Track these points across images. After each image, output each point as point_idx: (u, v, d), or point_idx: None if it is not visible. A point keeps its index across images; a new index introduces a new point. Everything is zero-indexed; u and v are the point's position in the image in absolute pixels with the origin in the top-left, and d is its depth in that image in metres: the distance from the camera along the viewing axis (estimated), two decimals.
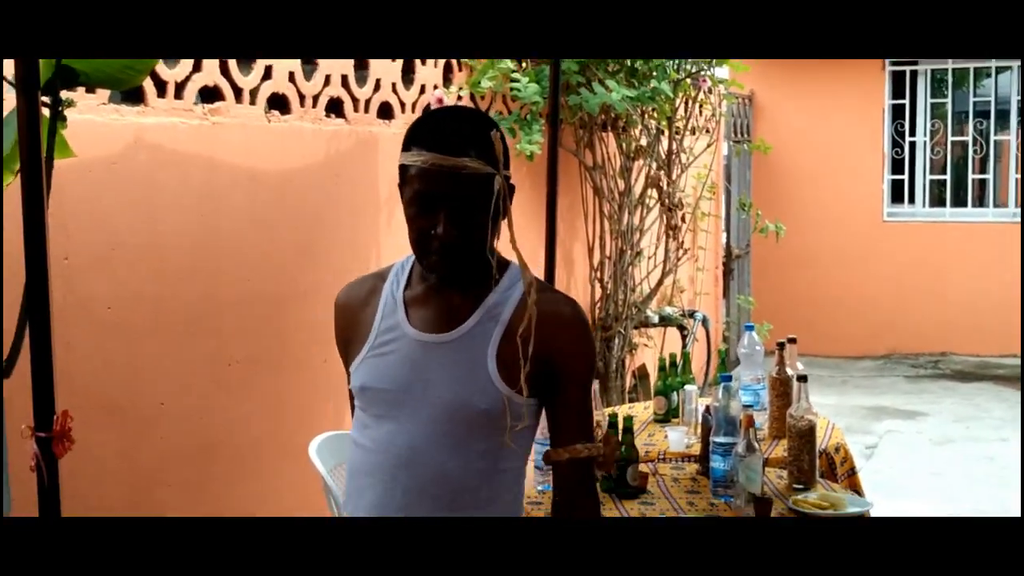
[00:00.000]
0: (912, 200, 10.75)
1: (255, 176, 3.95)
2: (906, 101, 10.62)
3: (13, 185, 2.52)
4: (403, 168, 2.05)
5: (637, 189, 6.66)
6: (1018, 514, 5.56)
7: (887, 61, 10.47)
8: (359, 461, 2.15)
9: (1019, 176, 10.26)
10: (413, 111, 5.04)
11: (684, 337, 7.32)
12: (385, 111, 4.85)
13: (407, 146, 2.05)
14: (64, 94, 2.58)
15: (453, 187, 2.00)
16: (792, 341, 4.07)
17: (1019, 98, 10.15)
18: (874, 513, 3.36)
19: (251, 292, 3.91)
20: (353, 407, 2.22)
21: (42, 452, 2.23)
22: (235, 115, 3.88)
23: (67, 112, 2.67)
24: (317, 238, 4.37)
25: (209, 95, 3.82)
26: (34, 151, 2.28)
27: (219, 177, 3.81)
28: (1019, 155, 10.28)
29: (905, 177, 10.75)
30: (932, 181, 10.73)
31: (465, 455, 2.06)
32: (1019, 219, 9.84)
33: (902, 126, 10.66)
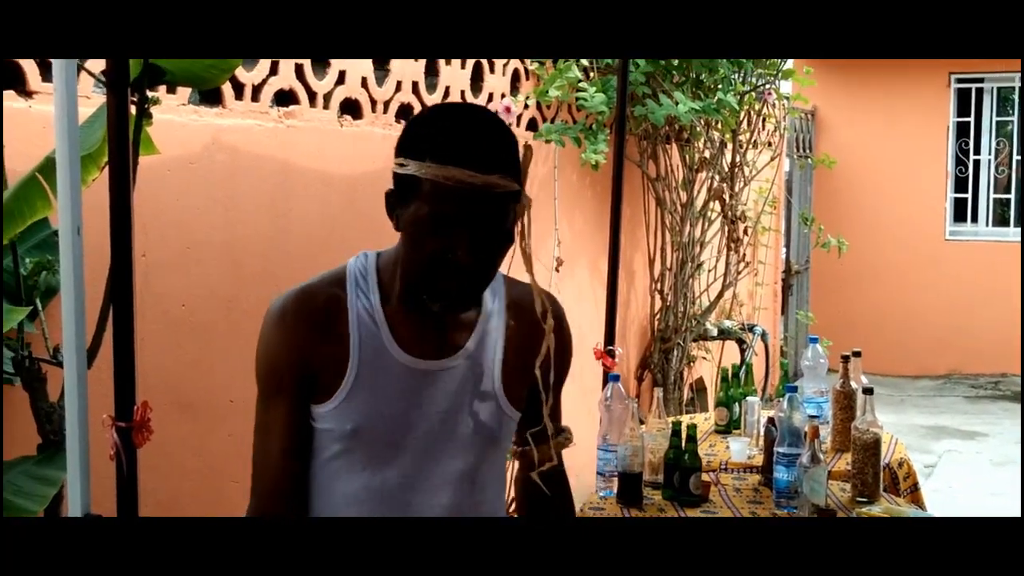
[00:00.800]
0: (975, 219, 10.64)
1: (327, 179, 4.01)
2: (971, 119, 10.51)
3: (99, 180, 2.59)
4: (410, 180, 1.71)
5: (699, 201, 6.66)
6: None
7: (953, 77, 10.38)
8: (345, 511, 1.84)
9: None
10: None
11: (743, 351, 7.30)
12: None
13: (417, 154, 1.71)
14: (150, 92, 2.65)
15: (479, 207, 1.70)
16: (857, 355, 4.05)
17: None
18: None
19: None
20: (289, 451, 1.84)
21: (122, 442, 2.28)
22: (308, 119, 3.94)
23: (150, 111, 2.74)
24: (385, 241, 4.41)
25: (284, 98, 3.89)
26: (122, 147, 2.34)
27: (292, 179, 3.87)
28: None
29: (968, 196, 10.64)
30: (996, 200, 10.61)
31: (479, 490, 1.88)
32: None
33: (966, 144, 10.56)
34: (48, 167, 2.56)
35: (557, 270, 5.58)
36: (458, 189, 1.68)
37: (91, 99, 3.09)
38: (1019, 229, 10.40)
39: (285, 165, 3.84)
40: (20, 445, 2.81)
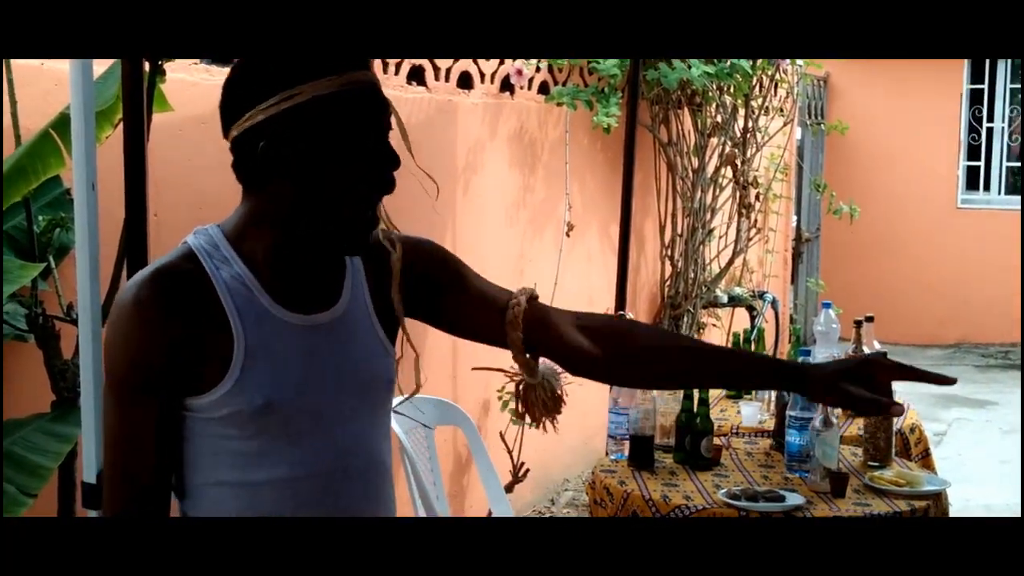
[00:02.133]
0: (988, 187, 10.59)
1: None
2: (984, 86, 10.45)
3: (112, 137, 2.58)
4: (299, 114, 1.54)
5: (711, 167, 6.64)
6: None
7: None
8: (272, 499, 1.62)
9: None
10: (492, 81, 5.06)
11: (753, 318, 7.29)
12: (465, 80, 4.88)
13: (301, 78, 1.54)
14: None
15: (382, 116, 1.60)
16: (870, 320, 4.03)
17: None
18: (949, 495, 3.33)
19: None
20: (162, 466, 1.61)
21: None
22: None
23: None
24: (397, 206, 4.39)
25: None
26: (136, 104, 2.33)
27: None
28: None
29: (981, 164, 10.58)
30: (1008, 168, 10.55)
31: (385, 433, 1.76)
32: None
33: (980, 111, 10.49)
34: (62, 123, 2.55)
35: (568, 235, 5.57)
36: (361, 97, 1.57)
37: None
38: None
39: None
40: (34, 402, 2.82)
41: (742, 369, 1.80)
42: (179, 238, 3.64)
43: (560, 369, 1.84)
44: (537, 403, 1.84)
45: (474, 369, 1.98)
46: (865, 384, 1.68)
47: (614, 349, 1.78)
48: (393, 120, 1.62)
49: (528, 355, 1.78)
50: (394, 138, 1.63)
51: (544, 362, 1.80)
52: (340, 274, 1.71)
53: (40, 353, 2.75)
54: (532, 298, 1.77)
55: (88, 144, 2.29)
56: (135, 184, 2.35)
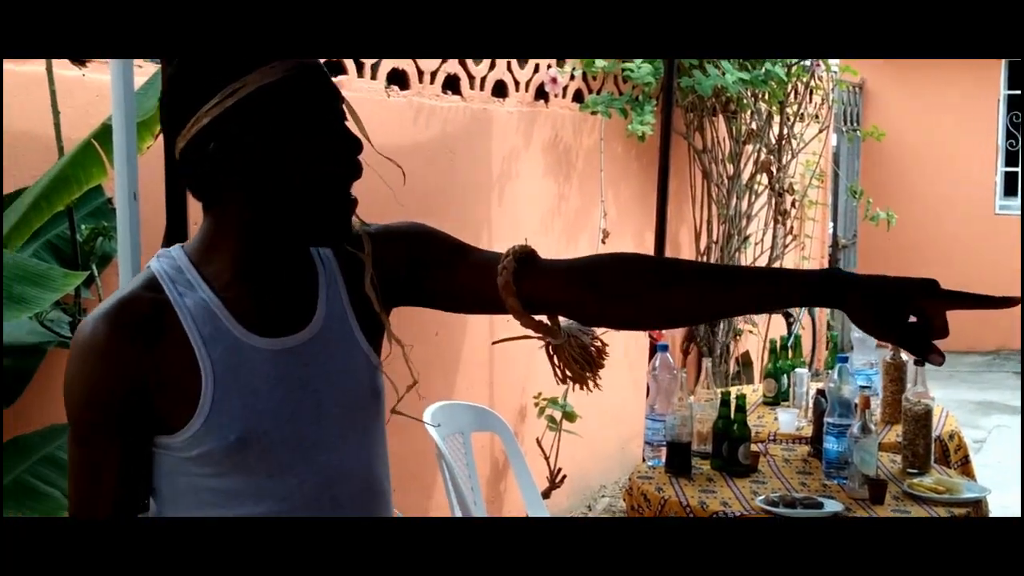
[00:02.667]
0: None
1: (373, 149, 4.01)
2: (1022, 91, 10.36)
3: (153, 147, 2.61)
4: (247, 111, 1.44)
5: (746, 174, 6.63)
6: None
7: None
8: None
9: None
10: (527, 89, 5.08)
11: (790, 325, 7.26)
12: (499, 89, 4.90)
13: (230, 77, 1.44)
14: None
15: (335, 99, 1.52)
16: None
17: None
18: (990, 503, 3.30)
19: None
20: (124, 504, 1.50)
21: None
22: (356, 89, 3.95)
23: None
24: (432, 213, 4.43)
25: (332, 68, 3.90)
26: None
27: None
28: None
29: (1019, 169, 10.48)
30: None
31: (379, 453, 1.65)
32: None
33: (1018, 117, 10.40)
34: (103, 134, 2.58)
35: (603, 242, 5.57)
36: (310, 80, 1.47)
37: (143, 67, 3.11)
38: None
39: None
40: None
41: (760, 291, 1.54)
42: None
43: None
44: (569, 363, 1.67)
45: (495, 343, 1.87)
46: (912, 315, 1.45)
47: (604, 290, 1.57)
48: (347, 108, 1.53)
49: (545, 316, 1.62)
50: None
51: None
52: (313, 288, 1.57)
53: None
54: (523, 256, 1.57)
55: (130, 154, 2.33)
56: (175, 193, 2.38)
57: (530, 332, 1.64)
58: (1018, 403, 8.38)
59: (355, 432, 1.58)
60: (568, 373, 1.68)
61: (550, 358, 1.68)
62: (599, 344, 1.70)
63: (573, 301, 1.58)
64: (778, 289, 1.54)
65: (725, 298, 1.55)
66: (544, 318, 1.61)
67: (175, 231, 2.41)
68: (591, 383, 1.70)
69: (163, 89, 1.51)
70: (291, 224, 1.49)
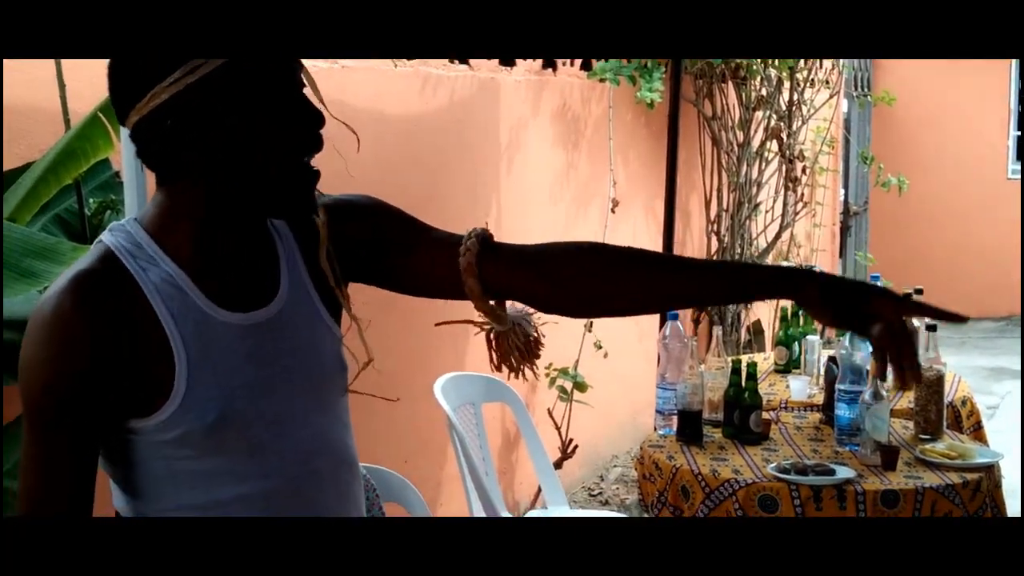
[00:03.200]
0: None
1: (382, 120, 4.00)
2: None
3: None
4: (208, 85, 1.39)
5: (756, 141, 6.59)
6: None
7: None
8: (243, 516, 1.47)
9: None
10: (535, 59, 5.05)
11: None
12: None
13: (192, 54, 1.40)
14: None
15: (296, 70, 1.48)
16: (919, 292, 4.00)
17: None
18: (1002, 467, 3.29)
19: None
20: (80, 497, 1.41)
21: None
22: (363, 60, 3.93)
23: None
24: (440, 183, 4.42)
25: None
26: None
27: (347, 120, 3.86)
28: None
29: None
30: None
31: (346, 424, 1.63)
32: None
33: None
34: (110, 107, 2.57)
35: (613, 211, 5.55)
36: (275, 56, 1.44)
37: None
38: None
39: (340, 106, 3.81)
40: None
41: (715, 282, 1.54)
42: None
43: (531, 310, 1.66)
44: (512, 350, 1.67)
45: (437, 325, 1.85)
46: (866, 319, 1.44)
47: (557, 278, 1.55)
48: (305, 78, 1.49)
49: (493, 301, 1.58)
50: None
51: (514, 305, 1.63)
52: (273, 262, 1.54)
53: None
54: (485, 238, 1.55)
55: None
56: None
57: (474, 316, 1.62)
58: None
59: (326, 406, 1.56)
60: (505, 361, 1.69)
61: (489, 344, 1.69)
62: (536, 335, 1.69)
63: (528, 288, 1.56)
64: (732, 281, 1.54)
65: (678, 289, 1.54)
66: (494, 303, 1.59)
67: None
68: (527, 372, 1.70)
69: (113, 63, 1.44)
70: (253, 198, 1.45)
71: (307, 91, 1.49)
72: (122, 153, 2.35)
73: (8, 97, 2.81)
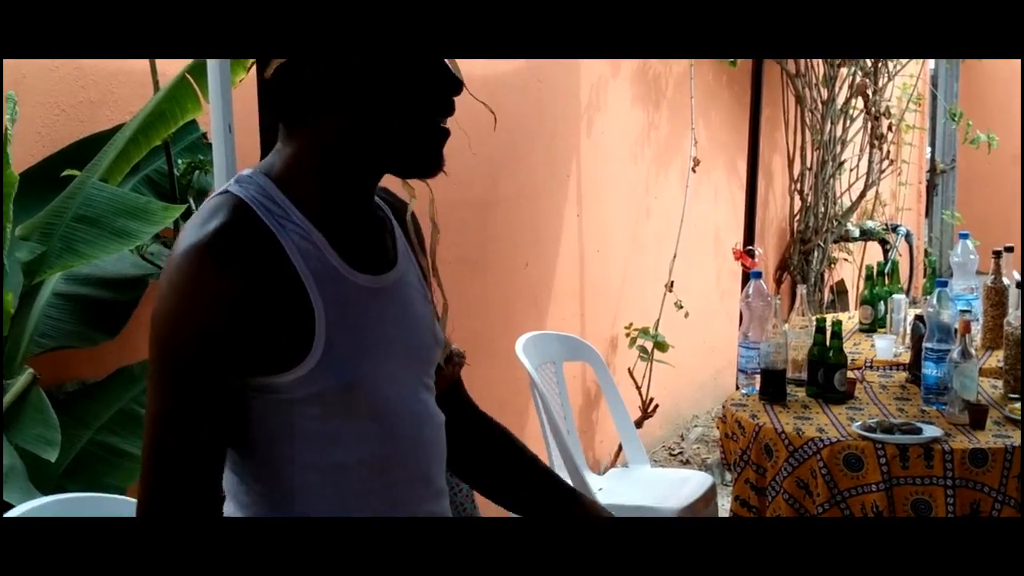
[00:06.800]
0: None
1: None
2: None
3: (246, 81, 2.64)
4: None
5: (840, 98, 6.48)
6: None
7: None
8: (361, 478, 1.46)
9: None
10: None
11: (886, 252, 7.13)
12: None
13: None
14: None
15: None
16: (1009, 250, 3.92)
17: None
18: None
19: (459, 196, 3.99)
20: (220, 459, 1.39)
21: None
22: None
23: None
24: (519, 143, 4.42)
25: None
26: None
27: None
28: None
29: None
30: None
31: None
32: None
33: None
34: (198, 68, 2.61)
35: (694, 170, 5.51)
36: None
37: None
38: None
39: None
40: None
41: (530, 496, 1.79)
42: None
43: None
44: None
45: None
46: None
47: (459, 451, 1.71)
48: None
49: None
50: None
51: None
52: (390, 226, 1.55)
53: None
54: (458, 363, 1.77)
55: (224, 88, 2.35)
56: (270, 125, 2.40)
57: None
58: None
59: (429, 375, 1.58)
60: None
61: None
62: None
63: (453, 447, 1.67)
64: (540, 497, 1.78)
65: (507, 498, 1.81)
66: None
67: None
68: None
69: None
70: (386, 153, 1.44)
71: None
72: (210, 114, 2.38)
73: (97, 60, 2.88)
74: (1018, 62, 10.05)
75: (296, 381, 1.38)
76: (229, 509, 1.49)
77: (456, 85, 1.45)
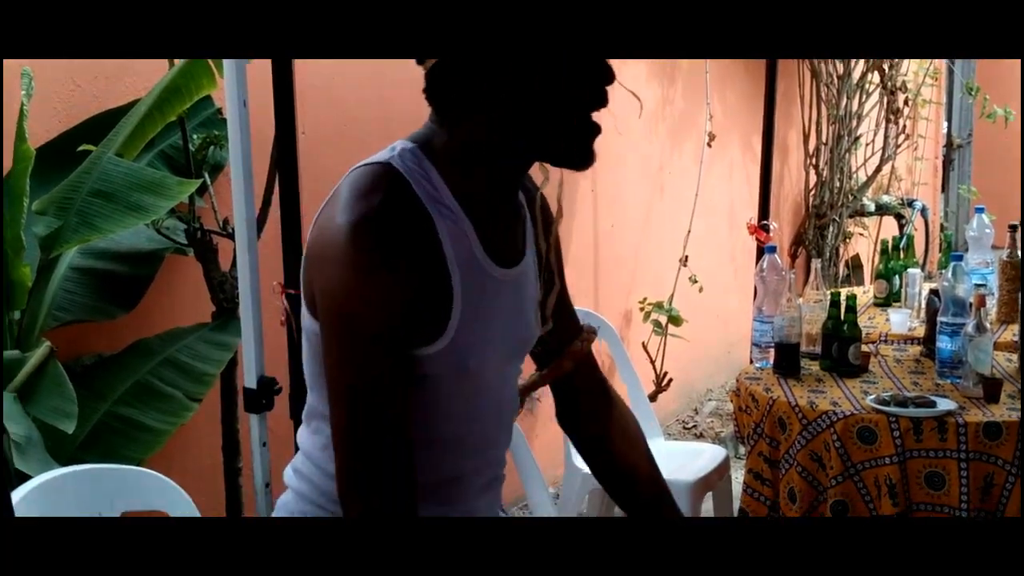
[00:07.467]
0: None
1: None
2: None
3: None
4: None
5: (856, 73, 6.45)
6: None
7: None
8: (453, 452, 1.53)
9: None
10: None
11: (902, 227, 7.11)
12: None
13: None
14: None
15: None
16: None
17: None
18: None
19: None
20: (407, 422, 1.40)
21: (291, 308, 2.38)
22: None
23: None
24: None
25: None
26: None
27: None
28: None
29: None
30: None
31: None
32: None
33: None
34: None
35: (709, 145, 5.50)
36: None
37: None
38: None
39: None
40: (196, 312, 2.95)
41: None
42: (327, 154, 3.73)
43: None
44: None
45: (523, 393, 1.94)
46: None
47: (593, 428, 1.79)
48: None
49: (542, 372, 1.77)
50: None
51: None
52: (524, 219, 1.59)
53: (199, 266, 2.87)
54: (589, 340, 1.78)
55: (238, 63, 2.36)
56: (283, 102, 2.41)
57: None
58: None
59: (520, 361, 1.64)
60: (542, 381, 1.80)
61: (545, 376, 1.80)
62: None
63: (577, 420, 1.79)
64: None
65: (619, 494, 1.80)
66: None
67: (285, 139, 2.45)
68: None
69: None
70: (540, 147, 1.45)
71: None
72: (225, 90, 2.39)
73: None
74: None
75: (431, 355, 1.42)
76: (308, 469, 1.54)
77: (609, 75, 1.46)
